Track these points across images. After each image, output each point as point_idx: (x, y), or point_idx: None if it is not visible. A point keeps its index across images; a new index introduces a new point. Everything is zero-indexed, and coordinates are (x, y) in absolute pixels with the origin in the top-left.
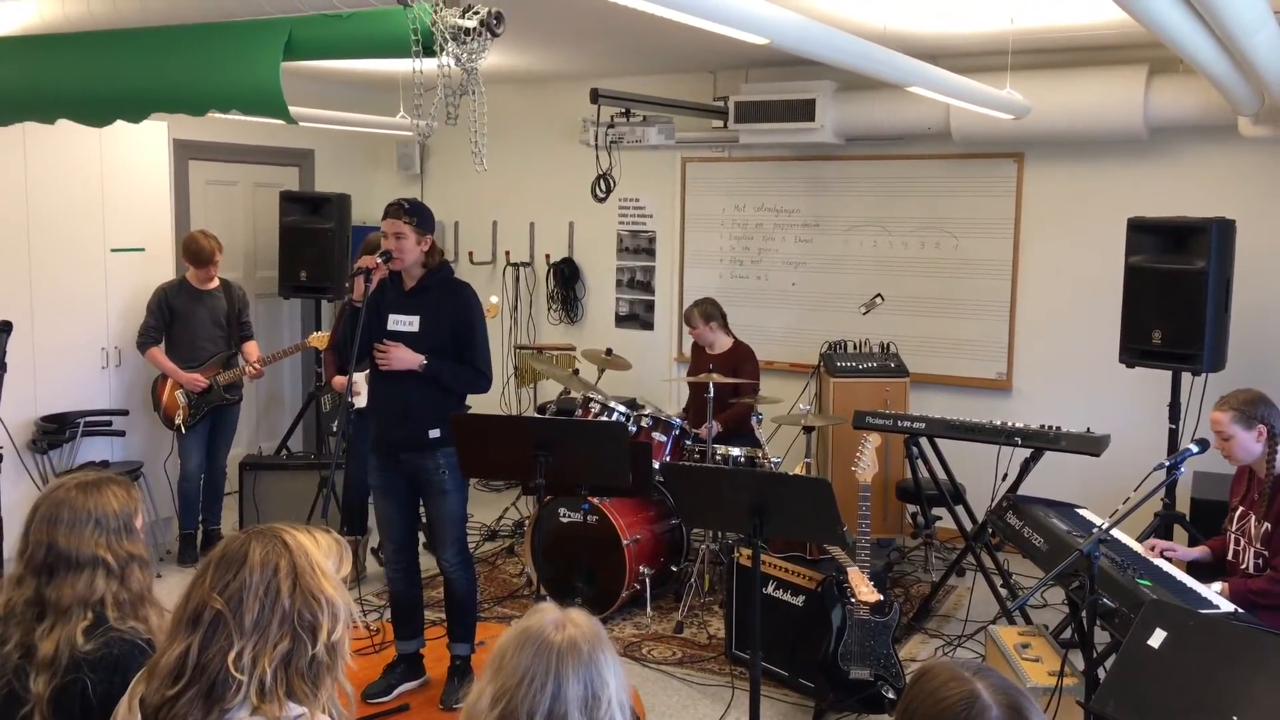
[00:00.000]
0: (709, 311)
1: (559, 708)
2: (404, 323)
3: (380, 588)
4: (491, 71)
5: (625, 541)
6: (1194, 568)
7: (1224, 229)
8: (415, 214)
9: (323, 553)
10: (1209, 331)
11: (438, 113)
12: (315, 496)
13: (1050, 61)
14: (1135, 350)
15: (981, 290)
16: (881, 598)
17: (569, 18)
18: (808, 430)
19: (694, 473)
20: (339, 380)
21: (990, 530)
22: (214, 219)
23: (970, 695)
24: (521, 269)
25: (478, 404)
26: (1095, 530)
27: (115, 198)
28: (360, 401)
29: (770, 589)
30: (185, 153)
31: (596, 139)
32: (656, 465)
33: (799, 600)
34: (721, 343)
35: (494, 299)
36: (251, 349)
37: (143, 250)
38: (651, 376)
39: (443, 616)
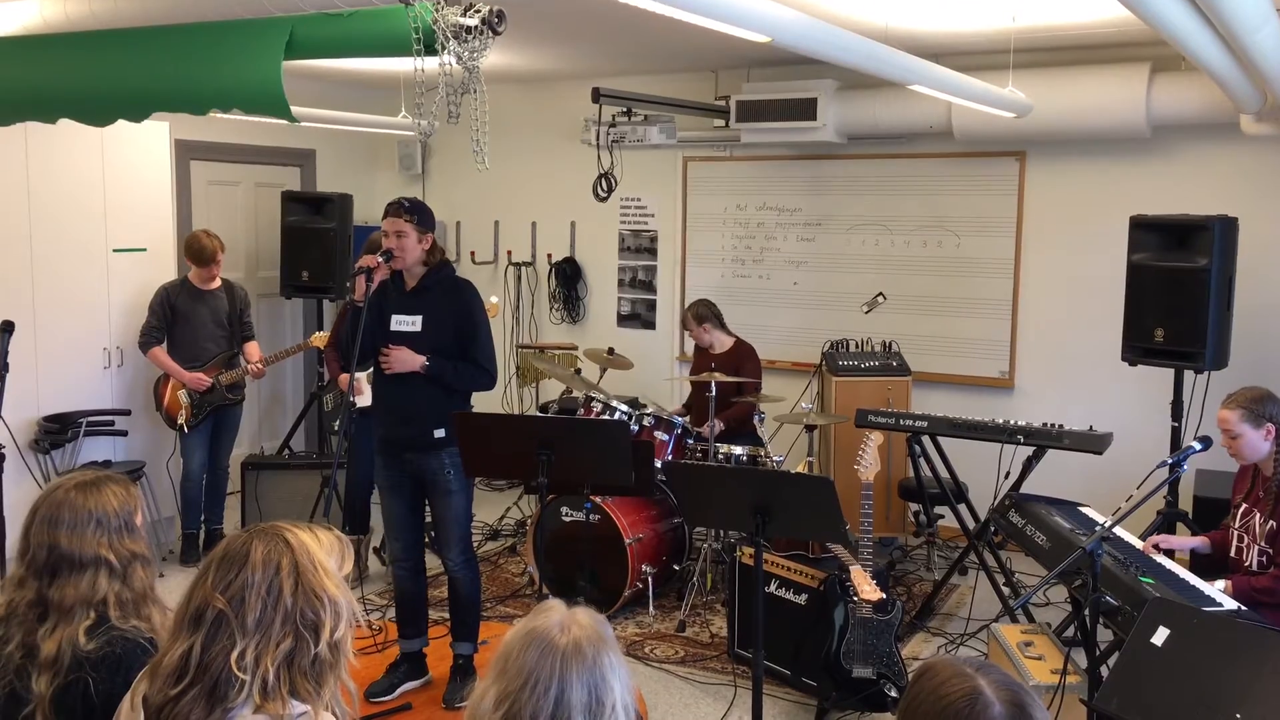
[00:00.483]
0: (701, 313)
1: (562, 713)
2: (407, 323)
3: (382, 587)
4: (493, 71)
5: (628, 540)
6: (1196, 564)
7: (1226, 227)
8: (416, 212)
9: (325, 551)
10: (1211, 329)
11: (439, 112)
12: (317, 496)
13: (1052, 60)
14: (1138, 348)
15: (983, 289)
16: (884, 596)
17: (570, 17)
18: (810, 429)
19: (696, 471)
20: (344, 377)
21: (993, 528)
22: (216, 219)
23: (973, 692)
24: (523, 268)
25: (480, 403)
26: (1098, 528)
27: (117, 198)
28: (362, 401)
29: (773, 588)
30: (187, 153)
31: (598, 138)
32: (659, 464)
33: (802, 599)
34: (722, 342)
35: (494, 299)
36: (252, 349)
37: (144, 250)
38: (653, 376)
39: (446, 615)
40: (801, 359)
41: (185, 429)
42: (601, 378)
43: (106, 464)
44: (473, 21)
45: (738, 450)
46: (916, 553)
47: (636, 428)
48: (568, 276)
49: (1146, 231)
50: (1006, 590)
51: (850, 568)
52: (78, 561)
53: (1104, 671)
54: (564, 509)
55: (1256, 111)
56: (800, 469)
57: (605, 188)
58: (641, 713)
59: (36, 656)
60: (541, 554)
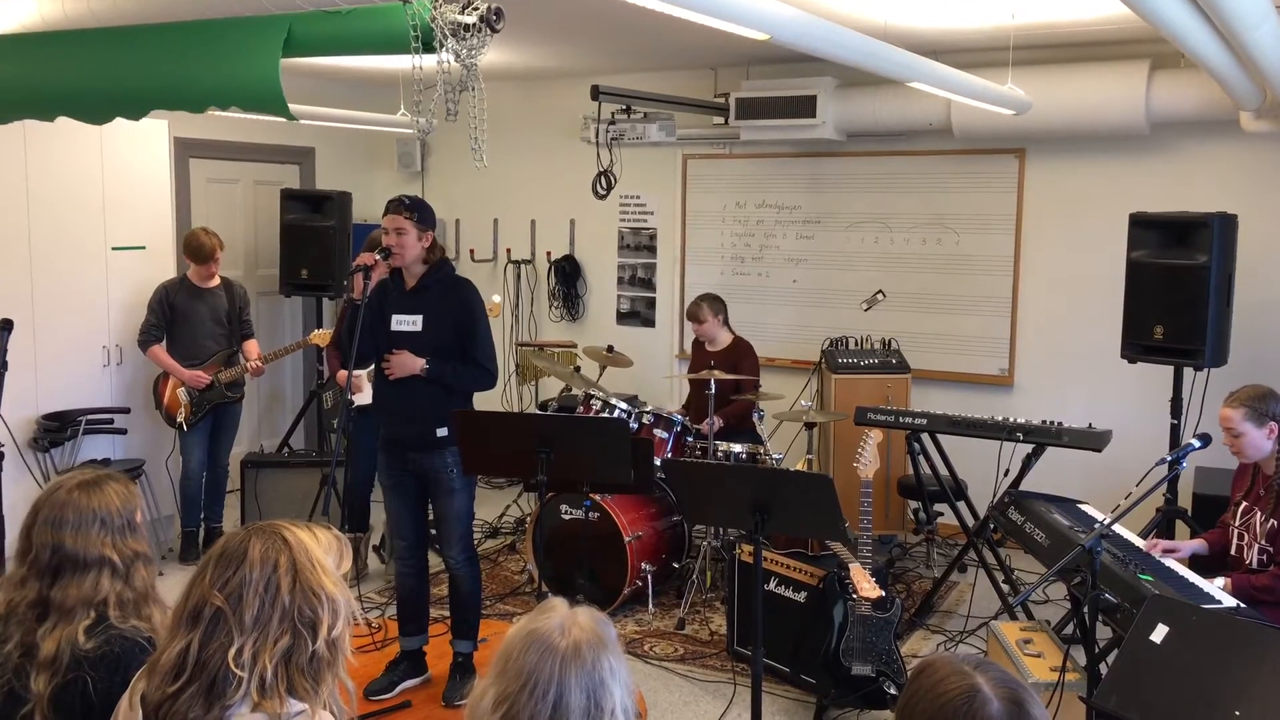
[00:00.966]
0: (715, 306)
1: (560, 716)
2: (407, 322)
3: (382, 585)
4: (491, 68)
5: (627, 538)
6: (1194, 563)
7: (1226, 224)
8: (416, 209)
9: (323, 549)
10: (1211, 327)
11: (438, 110)
12: (317, 494)
13: (1052, 57)
14: (1137, 345)
15: (983, 286)
16: (883, 594)
17: (569, 14)
18: (809, 426)
19: (695, 469)
20: (343, 374)
21: (992, 526)
22: (215, 217)
23: (971, 689)
24: (523, 266)
25: (480, 401)
26: (1097, 526)
27: (116, 196)
28: (361, 398)
29: (772, 585)
30: (186, 151)
31: (597, 136)
32: (658, 462)
33: (801, 596)
34: (721, 339)
35: (495, 298)
36: (251, 347)
37: (144, 248)
38: (652, 374)
39: (445, 613)
40: (801, 356)
41: (185, 427)
42: (601, 375)
43: (106, 462)
44: (471, 19)
45: (737, 448)
46: (916, 550)
47: (636, 425)
48: (567, 274)
49: (1146, 229)
50: (1006, 588)
51: (849, 565)
52: (82, 562)
53: (1103, 669)
54: (563, 507)
55: (1256, 108)
56: (799, 467)
57: (604, 185)
58: (641, 711)
59: (35, 655)
60: (541, 552)
